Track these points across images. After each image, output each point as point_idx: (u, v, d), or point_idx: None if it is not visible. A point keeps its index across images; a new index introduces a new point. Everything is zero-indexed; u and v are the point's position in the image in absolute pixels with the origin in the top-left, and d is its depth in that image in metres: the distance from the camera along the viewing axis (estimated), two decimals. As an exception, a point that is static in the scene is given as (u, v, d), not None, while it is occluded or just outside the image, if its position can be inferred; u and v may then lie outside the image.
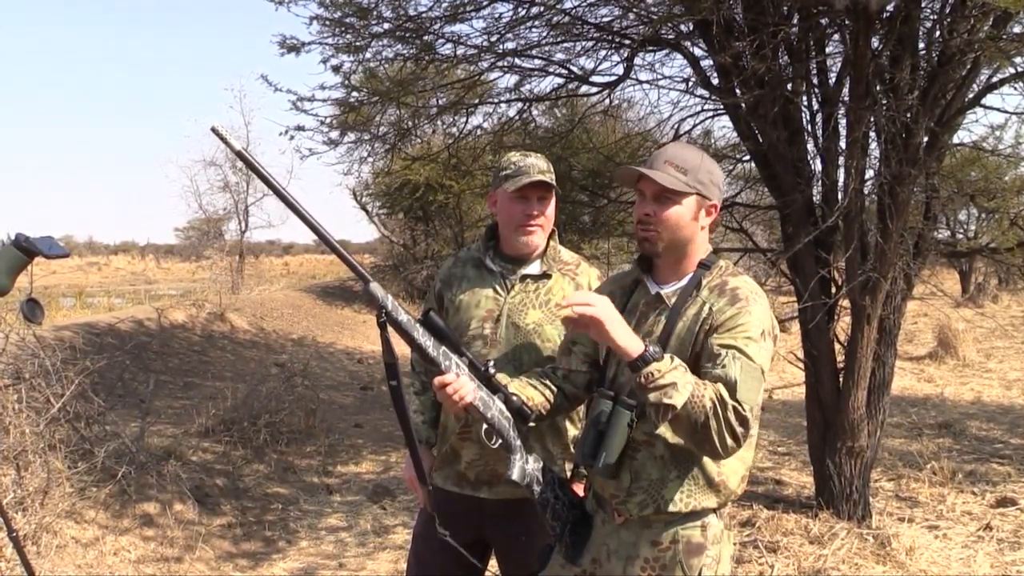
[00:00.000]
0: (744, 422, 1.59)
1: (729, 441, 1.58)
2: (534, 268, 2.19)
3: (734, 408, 1.57)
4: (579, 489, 1.98)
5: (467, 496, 2.18)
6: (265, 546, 4.36)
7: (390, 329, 1.62)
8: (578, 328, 1.66)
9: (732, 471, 1.75)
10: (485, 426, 1.80)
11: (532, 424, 1.90)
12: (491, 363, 1.83)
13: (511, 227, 2.16)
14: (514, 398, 1.83)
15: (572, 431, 2.19)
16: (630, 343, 1.59)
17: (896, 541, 3.83)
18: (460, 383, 1.72)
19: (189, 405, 6.66)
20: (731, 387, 1.58)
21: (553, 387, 1.92)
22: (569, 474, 2.07)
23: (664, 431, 1.64)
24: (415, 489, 2.33)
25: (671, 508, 1.72)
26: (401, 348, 1.68)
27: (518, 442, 1.84)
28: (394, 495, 5.16)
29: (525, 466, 1.84)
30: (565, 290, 2.16)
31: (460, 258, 2.31)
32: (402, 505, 5.00)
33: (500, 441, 1.82)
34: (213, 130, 1.39)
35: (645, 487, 1.74)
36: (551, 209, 2.18)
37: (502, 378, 1.85)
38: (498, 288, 2.18)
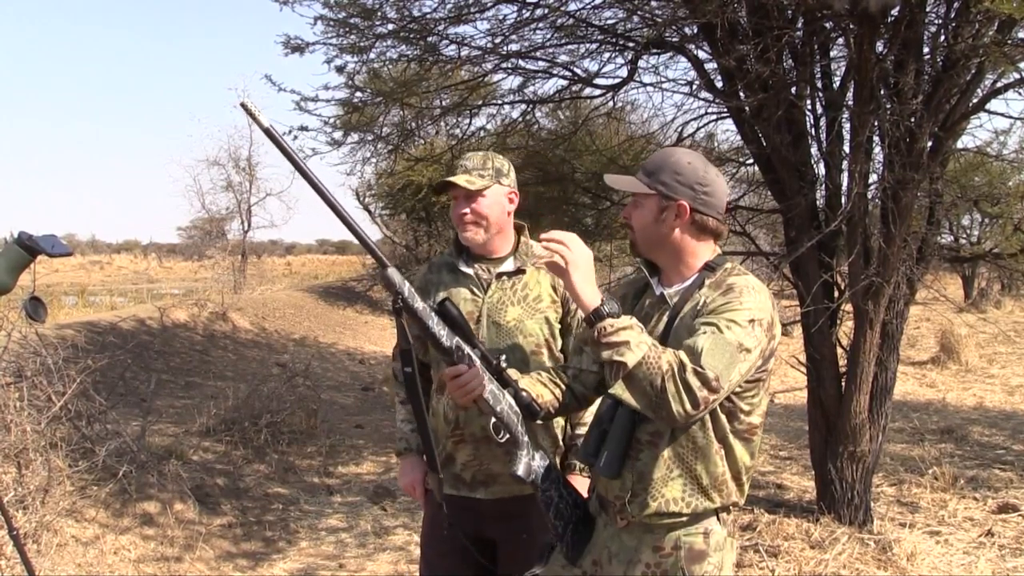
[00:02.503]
0: (706, 383, 1.53)
1: (688, 405, 1.53)
2: (508, 266, 2.22)
3: (694, 370, 1.53)
4: (579, 485, 1.98)
5: (463, 497, 2.19)
6: (265, 546, 4.36)
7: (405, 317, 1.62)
8: (551, 269, 1.66)
9: (733, 471, 1.74)
10: (494, 420, 1.80)
11: (540, 422, 1.90)
12: (503, 357, 1.83)
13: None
14: (524, 394, 1.83)
15: (561, 424, 2.21)
16: (588, 294, 1.59)
17: (897, 546, 3.82)
18: (472, 375, 1.72)
19: (190, 404, 6.67)
20: (695, 354, 1.55)
21: (563, 386, 1.92)
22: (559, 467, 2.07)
23: (619, 391, 1.60)
24: (414, 495, 2.33)
25: (673, 508, 1.71)
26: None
27: (525, 438, 1.83)
28: (395, 496, 5.15)
29: (531, 462, 1.83)
30: (541, 284, 2.19)
31: (434, 264, 2.34)
32: (402, 506, 4.99)
33: (507, 436, 1.81)
34: (242, 105, 1.38)
35: (647, 487, 1.73)
36: (486, 205, 2.17)
37: (513, 373, 1.85)
38: (475, 289, 2.21)
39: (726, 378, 1.56)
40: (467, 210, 2.16)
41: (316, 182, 1.48)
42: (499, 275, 2.20)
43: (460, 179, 2.15)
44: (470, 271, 2.22)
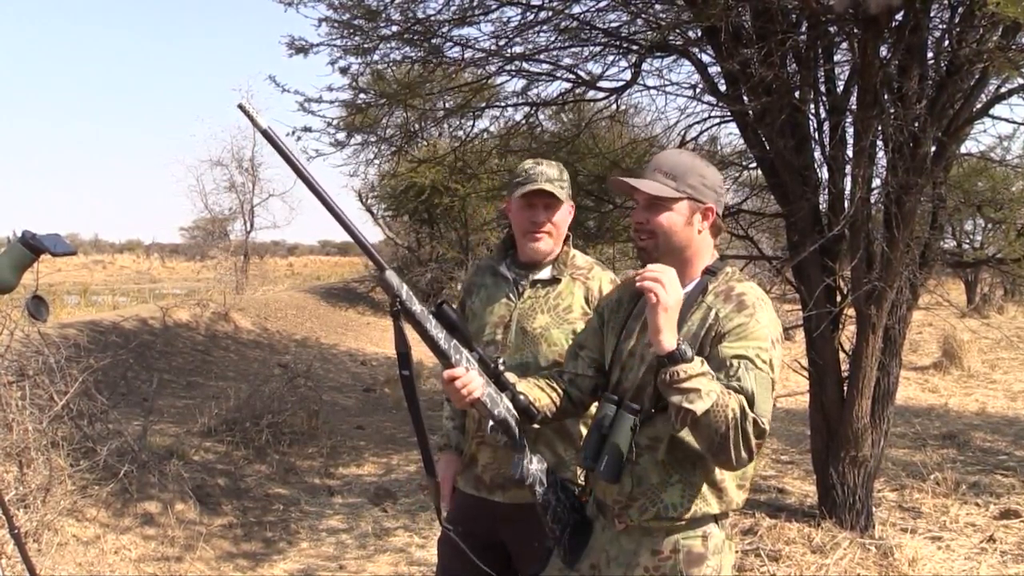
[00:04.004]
0: (761, 434, 1.58)
1: (744, 453, 1.58)
2: (544, 273, 2.22)
3: (753, 421, 1.57)
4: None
5: (482, 499, 2.20)
6: (265, 547, 4.36)
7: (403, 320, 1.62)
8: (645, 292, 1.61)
9: (734, 477, 1.74)
10: (491, 423, 1.80)
11: (536, 425, 1.90)
12: (501, 360, 1.83)
13: (520, 234, 2.20)
14: (521, 397, 1.82)
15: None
16: (667, 336, 1.56)
17: (899, 552, 3.81)
18: (469, 378, 1.71)
19: (192, 404, 6.68)
20: (750, 400, 1.58)
21: (560, 390, 1.92)
22: (582, 479, 2.05)
23: (684, 435, 1.63)
24: (446, 495, 2.33)
25: (671, 513, 1.71)
26: (423, 349, 1.69)
27: (523, 441, 1.84)
28: (395, 497, 5.16)
29: (529, 466, 1.83)
30: (574, 294, 2.18)
31: (480, 267, 2.36)
32: (403, 508, 4.99)
33: (505, 439, 1.81)
34: (240, 107, 1.37)
35: (646, 492, 1.73)
36: (560, 216, 2.19)
37: (510, 376, 1.85)
38: (510, 295, 2.21)
39: (769, 417, 1.62)
40: (546, 220, 2.17)
41: (313, 183, 1.47)
42: (533, 282, 2.20)
43: (555, 188, 2.14)
44: (509, 275, 2.23)
